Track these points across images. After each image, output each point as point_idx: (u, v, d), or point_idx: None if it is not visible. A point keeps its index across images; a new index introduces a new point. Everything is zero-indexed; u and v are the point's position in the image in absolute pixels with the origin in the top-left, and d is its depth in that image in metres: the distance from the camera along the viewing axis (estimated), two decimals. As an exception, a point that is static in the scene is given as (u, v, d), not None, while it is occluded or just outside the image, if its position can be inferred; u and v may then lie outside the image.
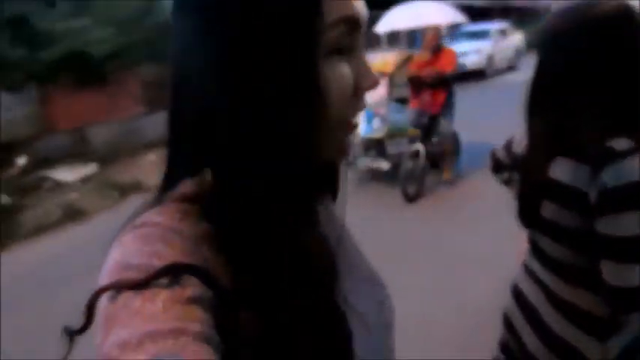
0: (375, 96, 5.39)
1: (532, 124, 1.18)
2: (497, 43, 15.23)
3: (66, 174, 6.79)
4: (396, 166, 5.29)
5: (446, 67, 5.18)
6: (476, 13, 17.44)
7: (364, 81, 0.51)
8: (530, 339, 1.19)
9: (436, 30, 5.39)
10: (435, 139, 5.32)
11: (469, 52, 14.32)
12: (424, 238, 4.13)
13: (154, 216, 0.47)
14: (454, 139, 5.63)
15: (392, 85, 5.82)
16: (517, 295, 1.27)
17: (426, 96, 5.27)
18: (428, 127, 5.24)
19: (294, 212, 0.47)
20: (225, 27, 0.45)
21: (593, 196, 0.99)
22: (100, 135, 7.89)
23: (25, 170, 6.76)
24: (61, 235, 5.22)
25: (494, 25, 16.05)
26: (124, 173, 6.61)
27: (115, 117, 8.00)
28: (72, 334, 0.41)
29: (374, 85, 0.52)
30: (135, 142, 7.41)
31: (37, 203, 5.98)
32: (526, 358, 1.21)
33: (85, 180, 6.75)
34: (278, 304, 0.45)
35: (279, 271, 0.45)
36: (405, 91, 5.63)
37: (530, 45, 17.80)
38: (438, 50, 5.27)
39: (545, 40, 1.14)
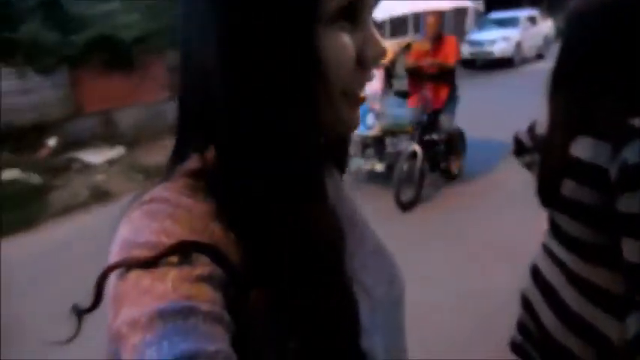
0: (370, 89, 4.71)
1: (554, 102, 1.19)
2: (526, 31, 14.89)
3: (94, 156, 6.96)
4: (392, 167, 4.74)
5: (449, 58, 4.70)
6: (507, 1, 17.08)
7: (369, 50, 0.49)
8: (548, 318, 1.21)
9: (438, 16, 4.82)
10: (435, 137, 4.80)
11: (497, 40, 14.06)
12: (419, 244, 3.94)
13: (162, 191, 0.46)
14: (459, 137, 5.16)
15: (391, 76, 5.40)
16: (535, 274, 1.28)
17: (427, 90, 4.78)
18: (426, 125, 4.73)
19: (298, 192, 0.46)
20: (223, 26, 0.45)
21: (613, 173, 0.99)
22: (126, 118, 8.04)
23: (55, 151, 6.95)
24: (86, 215, 5.36)
25: (523, 13, 15.68)
26: (150, 157, 6.74)
27: (142, 101, 8.13)
28: (81, 313, 0.42)
29: (380, 55, 0.50)
30: (160, 125, 7.53)
31: (66, 184, 6.15)
32: (544, 337, 1.22)
33: (112, 162, 6.91)
34: (285, 281, 0.45)
35: (285, 248, 0.45)
36: (406, 84, 5.10)
37: (560, 33, 17.29)
38: (439, 39, 4.77)
39: (572, 18, 1.15)
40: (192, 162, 0.49)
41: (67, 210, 5.47)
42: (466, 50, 14.68)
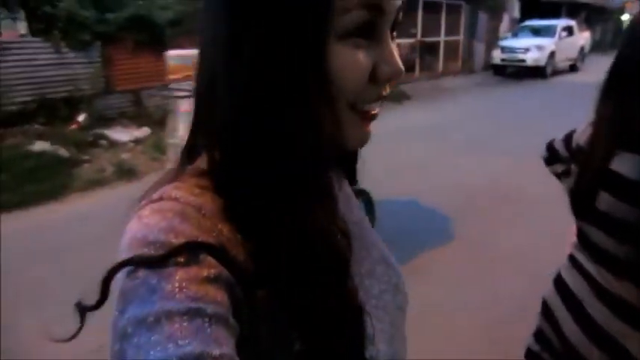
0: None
1: (600, 112, 1.18)
2: (562, 41, 14.65)
3: (120, 134, 7.08)
4: None
5: None
6: (545, 9, 16.79)
7: (384, 68, 0.49)
8: (571, 330, 1.20)
9: None
10: None
11: (530, 48, 13.88)
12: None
13: (172, 190, 0.46)
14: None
15: None
16: (560, 285, 1.28)
17: None
18: None
19: (297, 197, 0.46)
20: (229, 36, 0.46)
21: None
22: (155, 99, 8.15)
23: (84, 126, 7.09)
24: (110, 191, 5.48)
25: (560, 22, 15.41)
26: (175, 139, 6.83)
27: (171, 82, 8.22)
28: (86, 310, 0.42)
29: (395, 74, 0.50)
30: (187, 109, 7.61)
31: (92, 159, 6.29)
32: (565, 348, 1.22)
33: (138, 141, 7.03)
34: (284, 281, 0.45)
35: (283, 249, 0.45)
36: None
37: (597, 45, 16.92)
38: None
39: (632, 29, 1.16)
40: (202, 161, 0.50)
41: (92, 185, 5.60)
42: (498, 56, 14.53)
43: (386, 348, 0.57)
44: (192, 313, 0.38)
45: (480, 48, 15.36)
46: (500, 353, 2.35)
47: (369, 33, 0.47)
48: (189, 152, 0.53)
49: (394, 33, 0.51)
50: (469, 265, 3.63)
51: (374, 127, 0.54)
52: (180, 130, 4.29)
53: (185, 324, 0.37)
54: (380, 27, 0.48)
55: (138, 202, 0.47)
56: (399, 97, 10.16)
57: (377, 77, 0.49)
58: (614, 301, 1.12)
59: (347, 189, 0.66)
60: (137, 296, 0.39)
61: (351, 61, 0.46)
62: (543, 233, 3.82)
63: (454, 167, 5.87)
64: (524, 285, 3.07)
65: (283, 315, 0.45)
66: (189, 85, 3.96)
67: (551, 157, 1.43)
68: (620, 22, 22.06)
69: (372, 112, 0.52)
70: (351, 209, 0.63)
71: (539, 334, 1.33)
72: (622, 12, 22.60)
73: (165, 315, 0.37)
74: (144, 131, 7.36)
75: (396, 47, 0.51)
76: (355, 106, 0.49)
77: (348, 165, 0.66)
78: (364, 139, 0.53)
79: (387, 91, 0.51)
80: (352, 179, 0.69)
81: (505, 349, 1.51)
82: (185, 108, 4.22)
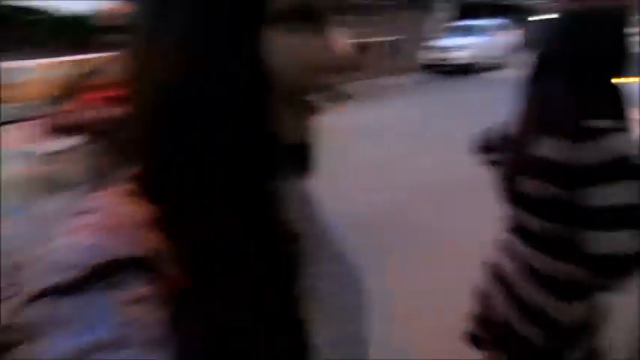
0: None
1: (525, 103, 1.28)
2: (490, 40, 15.28)
3: (52, 144, 6.74)
4: None
5: None
6: (477, 10, 17.44)
7: (324, 57, 0.45)
8: (504, 307, 1.29)
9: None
10: None
11: (458, 47, 14.43)
12: None
13: (98, 200, 0.43)
14: None
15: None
16: (491, 268, 1.37)
17: None
18: None
19: (240, 201, 0.44)
20: (169, 31, 0.42)
21: (575, 170, 1.10)
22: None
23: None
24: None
25: (488, 22, 16.09)
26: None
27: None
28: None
29: (336, 64, 0.46)
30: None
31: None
32: (498, 325, 1.31)
33: (71, 151, 6.73)
34: (227, 296, 0.43)
35: (224, 256, 0.43)
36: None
37: (526, 44, 17.69)
38: None
39: (565, 22, 1.24)
40: (131, 168, 0.45)
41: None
42: (429, 55, 15.03)
43: (332, 352, 0.54)
44: (119, 343, 0.34)
45: (412, 48, 15.76)
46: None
47: (307, 18, 0.44)
48: (118, 159, 0.48)
49: (339, 18, 0.47)
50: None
51: (320, 125, 0.51)
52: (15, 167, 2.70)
53: (111, 355, 0.34)
54: (318, 11, 0.44)
55: (62, 215, 0.43)
56: (339, 97, 10.24)
57: (316, 67, 0.45)
58: (539, 275, 1.22)
59: (299, 185, 0.63)
60: (57, 329, 0.34)
61: (285, 47, 0.43)
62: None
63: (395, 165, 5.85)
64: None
65: (224, 324, 0.42)
66: (24, 107, 2.79)
67: (484, 146, 1.51)
68: (547, 21, 23.11)
69: (313, 104, 0.48)
70: (303, 206, 0.61)
71: (474, 317, 1.42)
72: (550, 12, 23.61)
73: (90, 348, 0.34)
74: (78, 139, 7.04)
75: (340, 35, 0.47)
76: (294, 98, 0.45)
77: (299, 158, 0.62)
78: (305, 132, 0.49)
79: (330, 81, 0.48)
80: (304, 172, 0.65)
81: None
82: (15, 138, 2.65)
